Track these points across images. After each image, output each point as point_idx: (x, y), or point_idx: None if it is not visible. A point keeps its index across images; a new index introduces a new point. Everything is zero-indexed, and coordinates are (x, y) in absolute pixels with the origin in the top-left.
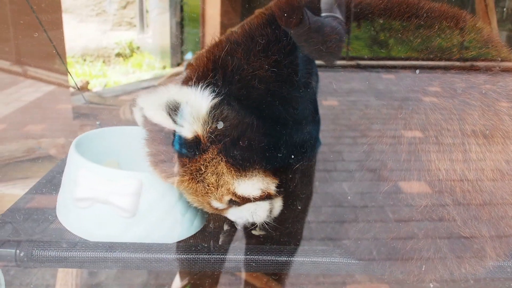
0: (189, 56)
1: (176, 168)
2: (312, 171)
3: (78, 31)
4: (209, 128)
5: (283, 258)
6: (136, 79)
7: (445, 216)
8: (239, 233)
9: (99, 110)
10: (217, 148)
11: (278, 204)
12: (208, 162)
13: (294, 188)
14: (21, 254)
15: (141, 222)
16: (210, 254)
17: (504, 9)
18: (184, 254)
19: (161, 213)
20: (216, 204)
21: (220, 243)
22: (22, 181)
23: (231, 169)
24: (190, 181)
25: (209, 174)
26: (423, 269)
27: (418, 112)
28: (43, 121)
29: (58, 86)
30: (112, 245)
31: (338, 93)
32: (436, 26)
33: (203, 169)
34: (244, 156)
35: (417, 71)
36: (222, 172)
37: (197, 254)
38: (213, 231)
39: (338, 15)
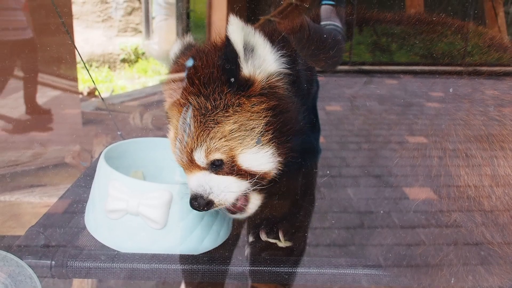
0: (190, 63)
1: (209, 88)
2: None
3: (84, 37)
4: (272, 82)
5: (315, 270)
6: (142, 84)
7: (474, 229)
8: (265, 245)
9: (108, 116)
10: (267, 104)
11: (255, 197)
12: (242, 109)
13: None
14: (56, 265)
15: (170, 233)
16: (244, 266)
17: (508, 14)
18: (217, 266)
19: (189, 224)
20: (199, 156)
21: (246, 255)
22: (40, 188)
23: (268, 132)
24: (205, 112)
25: (231, 120)
26: (452, 281)
27: (449, 128)
28: (50, 126)
29: (64, 91)
30: (153, 257)
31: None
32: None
33: (230, 111)
34: (284, 129)
35: (451, 89)
36: (251, 128)
37: (229, 266)
38: (236, 243)
39: (338, 23)
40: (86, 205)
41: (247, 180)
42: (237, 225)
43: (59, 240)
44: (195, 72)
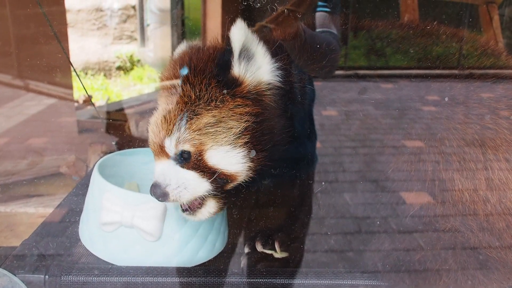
0: (184, 71)
1: (198, 77)
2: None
3: (80, 45)
4: (260, 89)
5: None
6: (138, 92)
7: (471, 234)
8: (261, 256)
9: (103, 125)
10: (251, 109)
11: (211, 205)
12: (224, 106)
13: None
14: (50, 280)
15: (165, 245)
16: (240, 278)
17: (504, 17)
18: (213, 278)
19: (185, 236)
20: (169, 143)
21: (242, 266)
22: (35, 198)
23: (246, 136)
24: (187, 101)
25: (210, 114)
26: (450, 287)
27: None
28: (46, 134)
29: (60, 99)
30: (148, 270)
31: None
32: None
33: (212, 105)
34: (262, 138)
35: (446, 98)
36: (228, 127)
37: (225, 278)
38: (232, 254)
39: (333, 30)
40: (80, 217)
41: (209, 179)
42: (232, 236)
43: (53, 254)
44: (189, 59)
